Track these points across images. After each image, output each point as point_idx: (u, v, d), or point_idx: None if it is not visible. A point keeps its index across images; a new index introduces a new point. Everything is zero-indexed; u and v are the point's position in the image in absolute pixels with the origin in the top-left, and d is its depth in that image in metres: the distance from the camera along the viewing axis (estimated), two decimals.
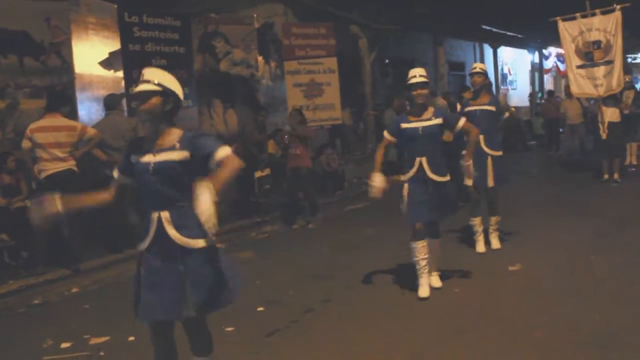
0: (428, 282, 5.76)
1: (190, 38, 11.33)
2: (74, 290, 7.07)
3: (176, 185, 3.35)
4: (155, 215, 3.38)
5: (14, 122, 8.69)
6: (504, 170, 7.30)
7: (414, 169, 5.58)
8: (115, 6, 10.02)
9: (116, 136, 7.85)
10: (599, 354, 4.27)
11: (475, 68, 7.41)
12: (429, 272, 5.79)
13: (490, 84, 16.07)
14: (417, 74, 5.62)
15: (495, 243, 7.29)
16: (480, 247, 7.21)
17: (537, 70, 23.33)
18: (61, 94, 8.19)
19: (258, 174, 10.11)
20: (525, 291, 5.77)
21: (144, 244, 3.43)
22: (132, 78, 10.23)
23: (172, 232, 3.33)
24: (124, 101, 9.08)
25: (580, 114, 15.38)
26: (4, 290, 6.77)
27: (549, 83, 24.46)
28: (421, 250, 5.66)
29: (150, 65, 10.26)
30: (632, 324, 4.75)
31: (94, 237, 8.28)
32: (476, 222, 7.22)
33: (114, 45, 10.18)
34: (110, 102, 8.18)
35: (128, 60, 10.21)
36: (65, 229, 7.19)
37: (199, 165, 3.35)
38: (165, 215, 3.35)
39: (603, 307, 5.15)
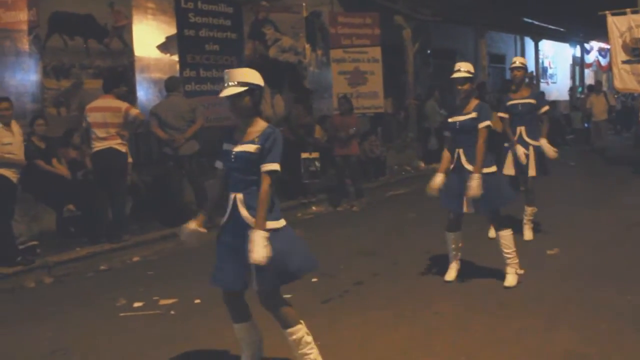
0: (456, 267, 5.98)
1: (242, 25, 11.75)
2: (135, 259, 7.56)
3: (249, 172, 3.74)
4: (232, 196, 3.78)
5: (78, 101, 9.20)
6: (545, 161, 7.50)
7: (454, 160, 5.78)
8: None
9: (176, 116, 8.31)
10: (636, 335, 4.55)
11: (515, 62, 7.54)
12: (509, 265, 5.81)
13: (532, 77, 16.21)
14: (460, 69, 5.75)
15: (528, 234, 7.39)
16: (527, 235, 7.36)
17: (578, 64, 23.29)
18: (114, 76, 8.56)
19: (305, 155, 10.49)
20: (563, 274, 6.07)
21: (223, 220, 3.84)
22: (187, 62, 10.75)
23: (243, 211, 3.71)
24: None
25: (605, 111, 15.50)
26: (72, 257, 7.27)
27: (589, 77, 24.37)
28: (452, 240, 5.94)
29: (203, 50, 10.87)
30: None
31: (150, 212, 8.78)
32: (527, 210, 7.39)
33: (171, 30, 10.62)
34: (171, 85, 8.62)
35: (183, 45, 10.68)
36: (117, 203, 7.72)
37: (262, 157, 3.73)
38: (239, 196, 3.74)
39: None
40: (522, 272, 5.87)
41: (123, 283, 6.49)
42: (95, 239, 7.74)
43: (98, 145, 7.56)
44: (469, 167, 5.64)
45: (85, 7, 9.30)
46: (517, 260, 5.82)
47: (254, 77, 3.78)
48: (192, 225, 3.98)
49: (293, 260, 3.74)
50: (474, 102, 5.80)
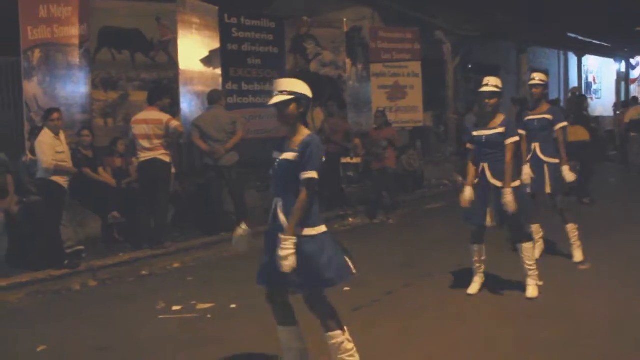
0: (479, 281, 6.06)
1: (284, 39, 12.03)
2: (176, 265, 7.83)
3: (288, 179, 3.92)
4: (275, 201, 3.98)
5: (124, 112, 9.57)
6: (560, 177, 7.16)
7: (479, 174, 5.86)
8: (217, 8, 10.80)
9: (218, 128, 8.58)
10: None
11: (534, 79, 7.34)
12: (530, 277, 5.91)
13: (575, 92, 16.00)
14: (488, 83, 5.86)
15: (578, 255, 7.13)
16: (537, 253, 7.08)
17: (623, 79, 23.00)
18: (159, 89, 8.84)
19: (345, 160, 10.68)
20: (594, 288, 6.12)
21: (268, 224, 4.03)
22: (229, 75, 11.07)
23: (281, 217, 3.90)
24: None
25: None
26: (116, 261, 7.56)
27: (635, 93, 24.02)
28: (476, 253, 6.04)
29: (245, 64, 11.17)
30: None
31: (191, 221, 9.06)
32: (533, 229, 7.28)
33: (214, 44, 10.95)
34: (214, 97, 8.91)
35: (226, 59, 11.01)
36: (160, 211, 8.01)
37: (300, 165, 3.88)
38: (279, 202, 3.93)
39: None
40: (541, 283, 5.96)
41: (163, 287, 6.75)
42: (138, 245, 8.04)
43: (143, 156, 7.87)
44: (494, 182, 5.76)
45: (133, 22, 9.68)
46: (537, 272, 5.92)
47: (301, 87, 3.95)
48: (241, 229, 4.14)
49: (328, 268, 3.87)
50: (500, 117, 5.88)
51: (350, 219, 10.51)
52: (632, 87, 23.94)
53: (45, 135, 6.95)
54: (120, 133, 9.16)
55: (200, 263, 7.91)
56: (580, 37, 19.54)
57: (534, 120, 7.17)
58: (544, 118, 7.14)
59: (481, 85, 5.96)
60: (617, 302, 5.64)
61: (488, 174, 5.82)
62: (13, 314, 6.13)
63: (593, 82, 23.11)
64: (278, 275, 3.86)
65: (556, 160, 7.16)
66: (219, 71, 10.98)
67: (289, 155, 3.90)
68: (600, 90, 23.84)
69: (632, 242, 7.97)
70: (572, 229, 7.20)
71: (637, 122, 15.29)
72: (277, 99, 3.91)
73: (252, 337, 5.02)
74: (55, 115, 7.10)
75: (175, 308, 5.89)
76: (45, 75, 9.08)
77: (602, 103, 23.54)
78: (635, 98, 17.39)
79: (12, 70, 9.66)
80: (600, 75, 23.66)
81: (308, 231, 3.86)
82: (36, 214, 7.34)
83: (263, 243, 4.06)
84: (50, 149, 6.88)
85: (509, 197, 5.61)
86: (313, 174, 3.84)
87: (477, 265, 6.07)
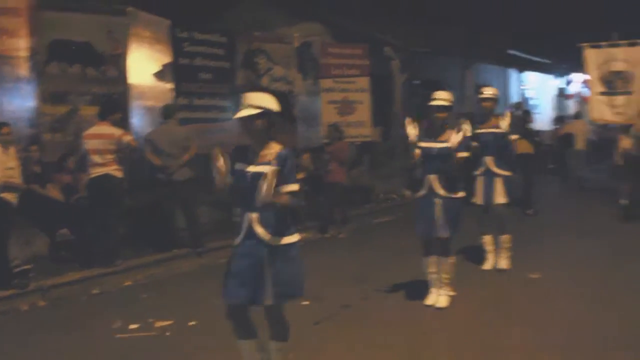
0: (436, 291, 6.20)
1: (235, 54, 12.04)
2: (127, 283, 7.71)
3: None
4: (247, 215, 3.98)
5: (74, 127, 9.38)
6: (512, 190, 7.51)
7: (425, 186, 6.06)
8: (169, 22, 10.73)
9: (171, 143, 8.52)
10: (622, 355, 4.83)
11: (484, 93, 7.58)
12: (438, 287, 6.17)
13: (519, 106, 16.42)
14: (439, 97, 6.08)
15: (504, 263, 7.45)
16: (488, 264, 7.52)
17: (562, 95, 23.78)
18: (110, 103, 8.70)
19: None
20: (546, 296, 6.37)
21: (238, 239, 4.03)
22: (181, 90, 11.00)
23: (259, 229, 3.93)
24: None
25: (584, 140, 15.83)
26: (66, 280, 7.41)
27: (572, 109, 24.86)
28: (428, 265, 6.20)
29: (196, 79, 11.13)
30: None
31: (142, 237, 8.94)
32: (486, 240, 7.56)
33: (166, 58, 10.87)
34: (167, 112, 8.86)
35: (178, 73, 10.94)
36: (110, 228, 7.90)
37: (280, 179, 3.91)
38: (255, 215, 3.94)
39: (621, 312, 5.74)
40: (454, 293, 6.18)
41: (118, 306, 6.64)
42: (88, 263, 7.88)
43: (95, 172, 7.76)
44: (441, 192, 5.95)
45: (83, 35, 9.51)
46: (451, 284, 6.15)
47: (268, 101, 3.98)
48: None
49: (301, 277, 4.03)
50: (450, 132, 6.03)
51: (303, 234, 10.51)
52: (570, 102, 24.76)
53: None
54: (69, 148, 8.99)
55: (153, 280, 7.82)
56: (520, 54, 20.15)
57: (485, 133, 7.36)
58: (495, 132, 7.33)
59: (430, 100, 6.15)
60: (571, 308, 5.88)
61: (436, 185, 5.99)
62: None
63: (532, 98, 23.77)
64: (252, 289, 3.92)
65: (508, 173, 7.41)
66: (170, 85, 10.89)
67: (264, 169, 3.87)
68: (539, 105, 24.55)
69: (576, 249, 8.30)
70: (507, 239, 7.48)
71: (571, 136, 15.91)
72: (244, 112, 3.93)
73: (214, 354, 5.00)
74: (5, 129, 6.95)
75: (132, 326, 5.81)
76: None
77: (541, 118, 24.23)
78: (578, 113, 18.05)
79: None
80: (539, 90, 24.39)
81: (289, 239, 3.96)
82: None
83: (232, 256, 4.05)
84: (0, 164, 6.71)
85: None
86: (296, 187, 3.92)
87: (432, 276, 6.19)
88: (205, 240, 8.90)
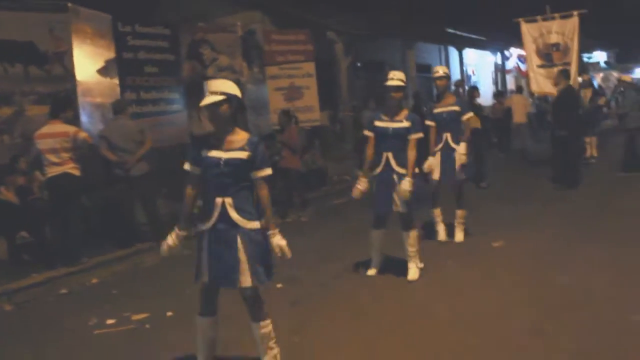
0: (378, 262, 6.49)
1: (179, 46, 11.93)
2: (94, 280, 7.59)
3: (240, 177, 4.02)
4: (219, 200, 4.02)
5: (21, 128, 9.18)
6: (468, 165, 7.73)
7: (382, 163, 6.21)
8: (110, 16, 10.56)
9: (125, 138, 8.40)
10: (577, 310, 5.10)
11: (438, 72, 7.79)
12: (412, 261, 6.33)
13: (462, 85, 16.84)
14: (394, 77, 6.19)
15: (459, 236, 7.71)
16: (441, 235, 7.76)
17: (500, 70, 24.39)
18: (60, 101, 8.47)
19: None
20: (510, 261, 6.62)
21: (209, 223, 4.07)
22: (127, 84, 10.85)
23: (233, 214, 3.99)
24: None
25: (525, 114, 16.30)
26: (30, 282, 7.25)
27: (510, 83, 25.53)
28: (374, 237, 6.42)
29: (142, 72, 10.99)
30: (605, 284, 5.62)
31: (103, 234, 8.83)
32: (436, 212, 7.79)
33: (110, 53, 10.70)
34: (118, 107, 8.72)
35: (123, 68, 10.78)
36: (72, 227, 7.77)
37: (254, 164, 4.04)
38: (228, 200, 4.00)
39: (578, 272, 6.01)
40: (422, 265, 6.38)
41: (89, 303, 6.54)
42: (51, 264, 7.73)
43: (51, 171, 7.59)
44: (399, 170, 6.10)
45: (25, 34, 9.28)
46: (418, 256, 6.32)
47: (231, 87, 4.04)
48: (172, 241, 4.28)
49: (273, 259, 4.12)
50: (404, 111, 6.25)
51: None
52: (508, 77, 25.43)
53: None
54: (18, 150, 8.78)
55: (119, 276, 7.72)
56: (458, 33, 20.54)
57: (442, 112, 7.58)
58: (452, 110, 7.57)
59: (386, 81, 6.27)
60: (534, 270, 6.13)
61: (393, 162, 6.14)
62: None
63: (472, 74, 24.31)
64: (227, 272, 4.01)
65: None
66: (116, 81, 10.74)
67: (239, 154, 3.98)
68: (479, 81, 25.13)
69: (530, 217, 8.60)
70: (462, 214, 7.74)
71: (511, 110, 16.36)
72: (209, 99, 3.97)
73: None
74: None
75: (109, 322, 5.75)
76: None
77: (482, 93, 24.79)
78: (519, 87, 18.52)
79: None
80: (478, 67, 24.95)
81: (259, 224, 4.04)
82: None
83: (201, 243, 4.14)
84: None
85: (407, 186, 5.96)
86: (270, 171, 4.03)
87: (375, 248, 6.44)
88: (166, 232, 8.82)
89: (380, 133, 6.17)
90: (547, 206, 9.56)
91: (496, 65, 24.64)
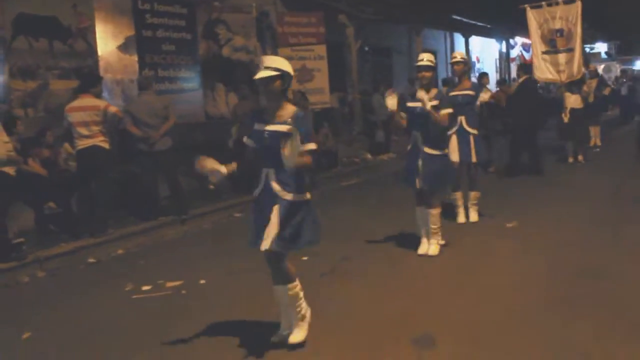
0: (426, 240, 6.63)
1: (196, 25, 12.13)
2: (120, 251, 7.84)
3: (282, 150, 4.24)
4: (264, 170, 4.28)
5: (45, 102, 9.40)
6: (482, 148, 8.11)
7: (412, 141, 6.49)
8: None
9: (150, 114, 8.60)
10: (592, 283, 5.39)
11: (456, 57, 8.11)
12: (427, 238, 6.61)
13: (469, 69, 17.09)
14: (424, 58, 6.44)
15: (474, 216, 7.99)
16: (461, 218, 8.02)
17: (504, 58, 24.59)
18: (91, 76, 8.78)
19: None
20: (523, 241, 6.89)
21: (256, 192, 4.33)
22: (145, 62, 11.06)
23: (274, 185, 4.24)
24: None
25: None
26: (60, 251, 7.50)
27: (514, 71, 25.70)
28: (417, 215, 6.63)
29: (160, 50, 11.17)
30: (615, 260, 5.94)
31: (126, 207, 9.06)
32: (457, 196, 8.03)
33: (129, 31, 10.88)
34: (144, 83, 8.92)
35: (141, 45, 11.00)
36: (99, 198, 8.02)
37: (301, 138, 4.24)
38: (271, 171, 4.25)
39: (593, 249, 6.33)
40: (443, 242, 6.64)
41: (119, 272, 6.81)
42: (77, 234, 7.97)
43: (82, 143, 7.81)
44: (427, 149, 6.36)
45: (49, 9, 9.48)
46: (440, 233, 6.58)
47: (284, 64, 4.26)
48: (219, 167, 4.33)
49: (306, 232, 4.32)
50: (434, 91, 6.48)
51: None
52: (512, 65, 25.61)
53: None
54: (44, 123, 8.98)
55: (144, 248, 7.96)
56: (465, 20, 20.72)
57: (458, 96, 7.85)
58: (467, 94, 7.86)
59: (416, 61, 6.53)
60: (547, 248, 6.42)
61: (420, 141, 6.39)
62: None
63: (477, 62, 24.51)
64: (258, 236, 4.26)
65: (476, 132, 7.88)
66: (135, 58, 10.94)
67: (282, 128, 4.21)
68: (483, 69, 25.31)
69: (540, 200, 8.89)
70: (476, 195, 8.03)
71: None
72: (263, 74, 4.19)
73: (236, 306, 5.29)
74: None
75: (145, 288, 6.00)
76: None
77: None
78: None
79: None
80: (483, 55, 25.14)
81: (301, 196, 4.26)
82: None
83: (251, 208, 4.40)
84: None
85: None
86: (314, 145, 4.24)
87: (420, 225, 6.64)
88: (187, 207, 9.08)
89: (410, 112, 6.42)
90: (555, 189, 9.84)
91: (500, 53, 24.83)
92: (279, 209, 4.22)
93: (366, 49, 18.23)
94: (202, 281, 6.09)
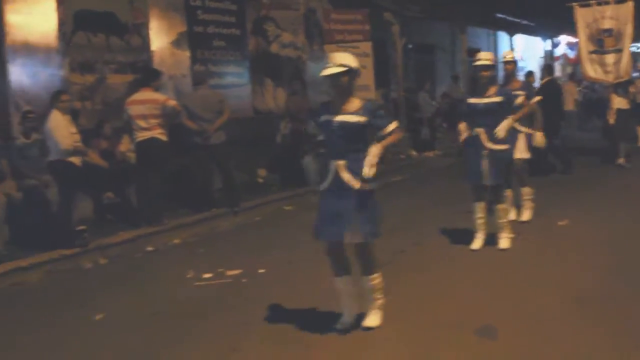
0: (482, 237, 6.69)
1: (245, 21, 12.33)
2: (176, 241, 8.04)
3: (352, 141, 4.39)
4: (334, 162, 4.40)
5: (102, 95, 9.67)
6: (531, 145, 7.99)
7: (474, 138, 6.53)
8: None
9: (205, 108, 8.80)
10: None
11: (506, 57, 8.04)
12: (483, 231, 6.68)
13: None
14: (482, 57, 6.55)
15: (526, 215, 7.91)
16: (511, 215, 7.72)
17: (549, 57, 24.32)
18: (151, 70, 9.04)
19: None
20: (574, 239, 6.94)
21: (325, 184, 4.46)
22: (197, 57, 11.28)
23: (345, 176, 4.37)
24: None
25: (573, 101, 16.26)
26: (120, 239, 7.74)
27: (558, 70, 25.43)
28: (476, 210, 6.68)
29: (211, 46, 11.39)
30: None
31: (180, 199, 9.27)
32: (507, 193, 7.70)
33: (181, 26, 11.11)
34: (199, 78, 9.17)
35: (193, 41, 11.22)
36: (156, 189, 8.24)
37: (371, 129, 4.42)
38: (341, 162, 4.38)
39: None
40: (513, 235, 6.72)
41: (179, 260, 7.02)
42: (134, 223, 8.20)
43: (141, 136, 8.04)
44: (490, 145, 6.41)
45: (106, 4, 9.75)
46: (510, 227, 6.70)
47: (351, 60, 4.41)
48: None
49: (380, 220, 4.51)
50: (494, 88, 6.56)
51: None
52: (556, 64, 25.31)
53: (59, 117, 7.04)
54: (102, 115, 9.26)
55: (199, 238, 8.14)
56: (509, 18, 20.58)
57: (513, 92, 7.85)
58: (516, 94, 7.85)
59: (475, 61, 6.62)
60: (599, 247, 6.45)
61: (484, 138, 6.44)
62: (47, 290, 6.29)
63: (520, 60, 24.26)
64: (341, 229, 4.37)
65: (530, 130, 7.90)
66: (187, 53, 11.16)
67: (354, 118, 4.35)
68: (527, 67, 25.07)
69: (590, 199, 8.87)
70: (529, 191, 7.99)
71: None
72: (332, 70, 4.35)
73: (296, 294, 5.44)
74: (65, 97, 7.22)
75: (206, 275, 6.19)
76: (25, 59, 9.02)
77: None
78: (571, 74, 18.47)
79: None
80: (526, 53, 24.90)
81: (370, 185, 4.42)
82: (38, 197, 7.48)
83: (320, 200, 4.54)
84: (66, 130, 6.99)
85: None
86: (396, 124, 4.46)
87: (480, 222, 6.67)
88: (240, 199, 9.27)
89: (472, 109, 6.50)
90: (602, 189, 9.79)
91: (545, 51, 24.58)
92: (356, 201, 4.36)
93: (410, 46, 18.26)
94: (262, 270, 6.24)
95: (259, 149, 11.37)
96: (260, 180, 11.08)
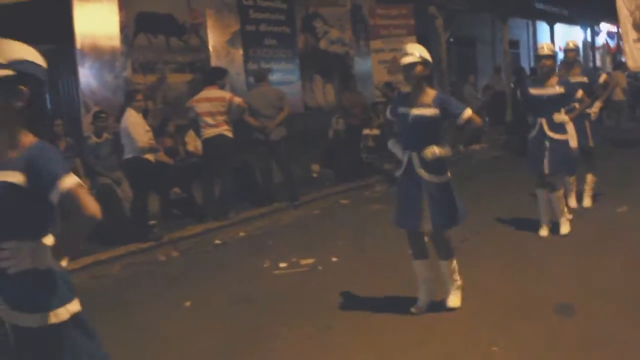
0: (547, 225, 6.85)
1: (294, 19, 12.60)
2: (242, 234, 8.33)
3: (425, 132, 4.60)
4: (407, 153, 4.63)
5: (162, 94, 10.02)
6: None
7: (536, 128, 6.73)
8: None
9: (266, 105, 9.08)
10: None
11: (543, 49, 8.09)
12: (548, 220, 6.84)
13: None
14: (544, 47, 6.80)
15: (587, 202, 8.09)
16: (572, 202, 8.04)
17: (589, 47, 24.16)
18: (217, 69, 9.28)
19: (366, 131, 11.47)
20: (632, 226, 7.02)
21: (399, 172, 4.71)
22: (249, 56, 11.58)
23: (418, 168, 4.58)
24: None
25: (622, 90, 16.10)
26: (190, 233, 8.06)
27: (598, 60, 25.27)
28: (540, 197, 6.84)
29: (262, 44, 11.66)
30: None
31: (240, 193, 9.57)
32: (571, 180, 8.04)
33: (235, 25, 11.41)
34: (260, 75, 9.45)
35: (246, 39, 11.52)
36: (224, 184, 8.55)
37: (443, 120, 4.64)
38: (414, 154, 4.59)
39: None
40: (570, 217, 6.94)
41: (250, 251, 7.31)
42: (200, 218, 8.52)
43: (208, 132, 8.34)
44: (551, 134, 6.60)
45: (165, 7, 10.09)
46: (566, 210, 6.88)
47: (425, 52, 4.64)
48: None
49: (460, 208, 4.71)
50: (555, 78, 6.72)
51: (378, 187, 11.15)
52: (597, 53, 25.14)
53: (134, 116, 7.38)
54: (165, 114, 9.61)
55: (265, 231, 8.40)
56: (547, 9, 20.51)
57: (576, 82, 7.98)
58: (580, 82, 7.98)
59: (537, 50, 6.93)
60: None
61: (546, 127, 6.63)
62: (129, 280, 6.63)
63: (559, 50, 24.13)
64: (417, 217, 4.62)
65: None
66: (241, 52, 11.46)
67: (426, 111, 4.58)
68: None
69: None
70: (592, 179, 8.11)
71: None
72: (408, 59, 4.56)
73: (371, 280, 5.67)
74: (139, 96, 7.55)
75: (282, 265, 6.47)
76: (93, 61, 9.39)
77: None
78: (619, 64, 18.28)
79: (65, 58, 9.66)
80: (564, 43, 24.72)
81: (443, 178, 4.64)
82: (111, 194, 7.83)
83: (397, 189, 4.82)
84: (142, 128, 7.32)
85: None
86: (470, 111, 4.62)
87: (545, 210, 6.84)
88: (298, 192, 9.55)
89: (536, 99, 6.67)
90: None
91: (585, 41, 24.41)
92: (430, 192, 4.57)
93: (451, 39, 18.34)
94: (335, 259, 6.50)
95: (310, 144, 11.64)
96: (315, 175, 11.36)
